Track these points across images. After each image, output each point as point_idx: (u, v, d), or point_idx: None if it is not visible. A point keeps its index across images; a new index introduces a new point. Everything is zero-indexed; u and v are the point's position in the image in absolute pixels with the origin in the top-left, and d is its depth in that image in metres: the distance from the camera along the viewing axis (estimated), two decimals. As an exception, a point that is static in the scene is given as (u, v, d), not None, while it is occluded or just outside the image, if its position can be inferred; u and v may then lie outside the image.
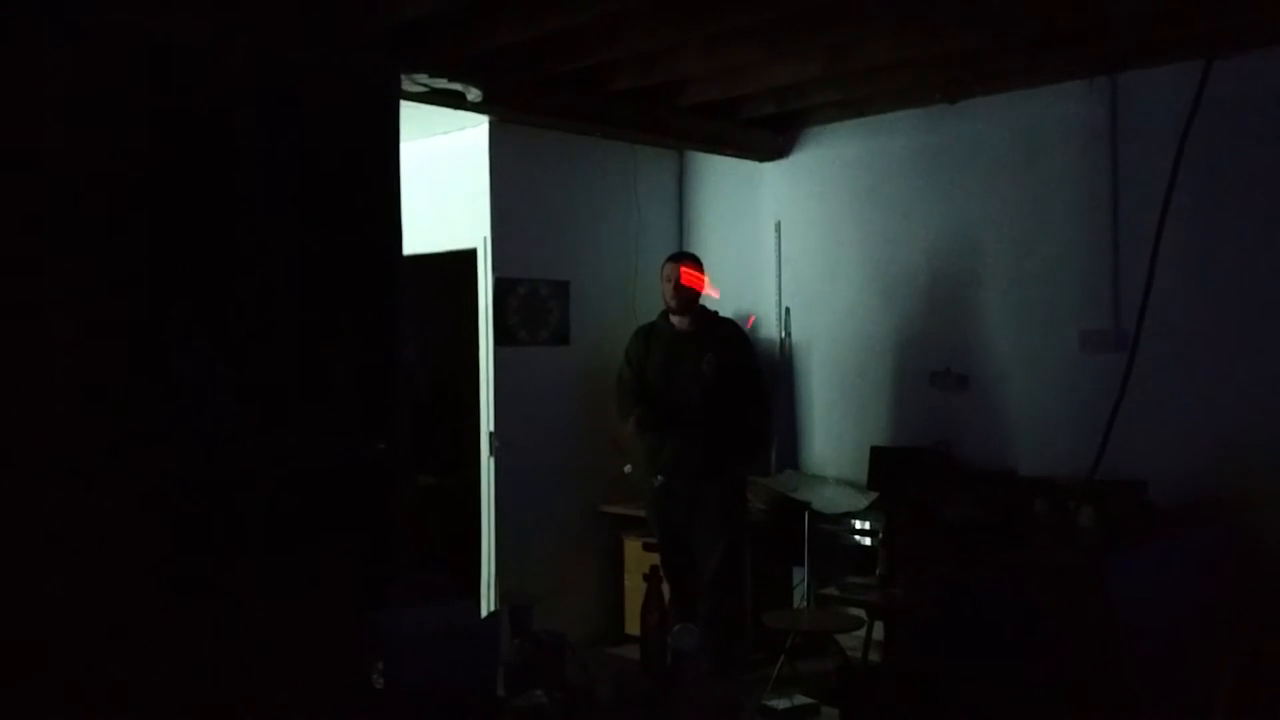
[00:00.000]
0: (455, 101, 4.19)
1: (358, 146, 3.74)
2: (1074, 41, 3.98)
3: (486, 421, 5.10)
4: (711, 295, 4.92)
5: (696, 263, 4.66)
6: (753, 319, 5.48)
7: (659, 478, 4.52)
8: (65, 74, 2.99)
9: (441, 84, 4.01)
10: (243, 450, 3.27)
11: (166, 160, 3.20)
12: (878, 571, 4.21)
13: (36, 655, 2.77)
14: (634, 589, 5.24)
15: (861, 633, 4.41)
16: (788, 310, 5.45)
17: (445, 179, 5.23)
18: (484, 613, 4.48)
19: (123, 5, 3.13)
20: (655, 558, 4.61)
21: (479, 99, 4.16)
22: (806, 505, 4.85)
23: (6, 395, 2.83)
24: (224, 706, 2.87)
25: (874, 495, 4.82)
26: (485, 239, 5.10)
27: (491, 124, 5.00)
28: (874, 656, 4.41)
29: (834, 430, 5.30)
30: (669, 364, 4.55)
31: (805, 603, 5.06)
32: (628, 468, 5.07)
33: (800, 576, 5.12)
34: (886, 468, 4.91)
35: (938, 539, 4.23)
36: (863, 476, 5.01)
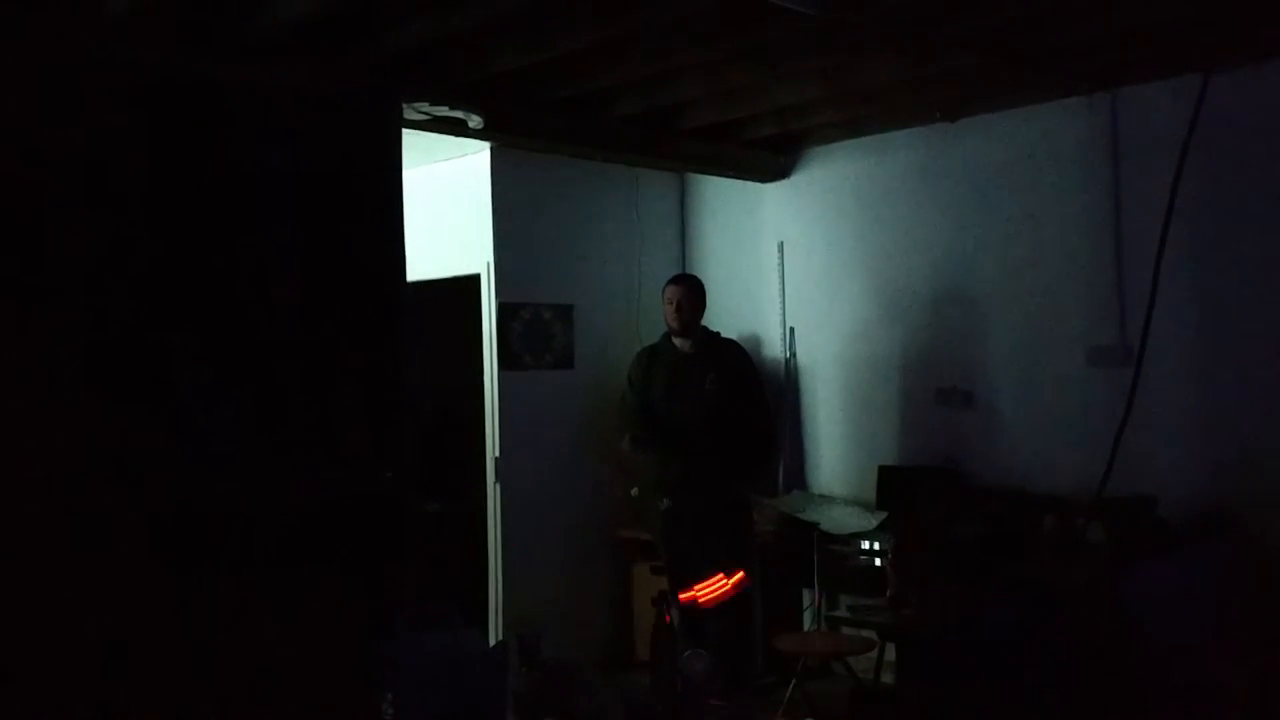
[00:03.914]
0: (457, 128, 4.20)
1: (360, 174, 3.75)
2: (1072, 58, 3.99)
3: (492, 447, 5.09)
4: None
5: (698, 284, 4.66)
6: None
7: (665, 500, 4.50)
8: (67, 102, 3.00)
9: (443, 111, 4.02)
10: (246, 479, 3.26)
11: (168, 190, 3.21)
12: (888, 592, 4.19)
13: (36, 681, 2.75)
14: (643, 614, 5.20)
15: (873, 654, 4.37)
16: (792, 330, 5.44)
17: (448, 205, 5.24)
18: (492, 641, 4.45)
19: (125, 36, 3.15)
20: (664, 582, 4.59)
21: (480, 126, 4.18)
22: (815, 526, 4.82)
23: (4, 422, 2.82)
24: (231, 740, 2.85)
25: (883, 515, 4.79)
26: (488, 264, 5.11)
27: (493, 150, 5.02)
28: (886, 678, 4.37)
29: (841, 450, 5.28)
30: (672, 385, 4.55)
31: (816, 625, 5.03)
32: (634, 491, 5.05)
33: (810, 598, 5.09)
34: (895, 487, 4.89)
35: (947, 558, 4.20)
36: (871, 496, 4.99)
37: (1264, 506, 3.92)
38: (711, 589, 4.44)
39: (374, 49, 3.64)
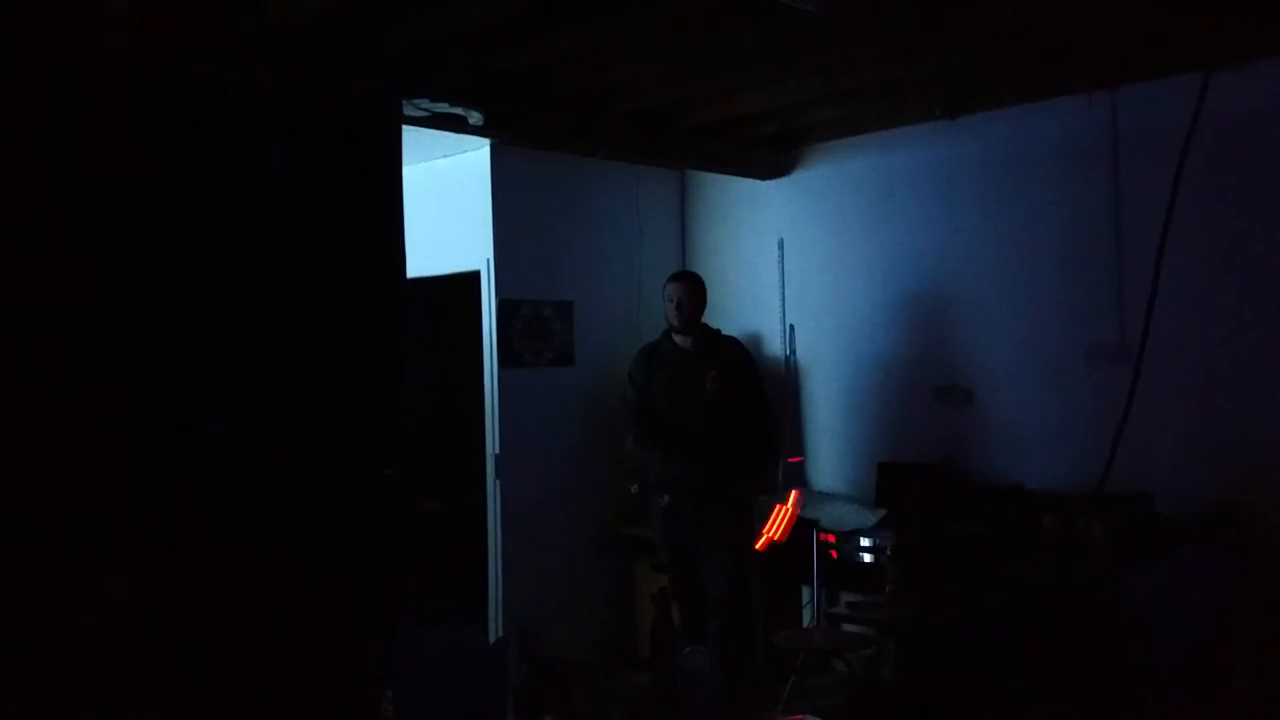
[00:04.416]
0: (457, 125, 4.21)
1: (361, 172, 3.76)
2: (1072, 56, 3.99)
3: (491, 443, 5.10)
4: None
5: (699, 281, 4.67)
6: None
7: (665, 497, 4.50)
8: (67, 103, 3.01)
9: (443, 108, 4.03)
10: (248, 478, 3.27)
11: (170, 190, 3.22)
12: (887, 589, 4.20)
13: (38, 685, 2.76)
14: (643, 611, 5.21)
15: (872, 651, 4.38)
16: (792, 328, 5.45)
17: (448, 202, 5.24)
18: (492, 638, 4.45)
19: (129, 36, 3.15)
20: (664, 579, 4.59)
21: (480, 123, 4.18)
22: (815, 523, 4.83)
23: (10, 427, 2.83)
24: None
25: (882, 512, 4.80)
26: (488, 261, 5.11)
27: (493, 147, 5.02)
28: (885, 675, 4.38)
29: (840, 447, 5.29)
30: (673, 383, 4.55)
31: (815, 621, 5.04)
32: (634, 488, 5.05)
33: (809, 595, 5.10)
34: (894, 484, 4.89)
35: (947, 555, 4.21)
36: (870, 493, 4.99)
37: (1263, 505, 3.93)
38: (777, 522, 4.62)
39: (374, 47, 3.64)
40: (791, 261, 5.46)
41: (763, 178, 5.52)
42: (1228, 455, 4.05)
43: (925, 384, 4.95)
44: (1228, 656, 3.35)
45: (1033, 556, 4.07)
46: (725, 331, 4.83)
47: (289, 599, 3.21)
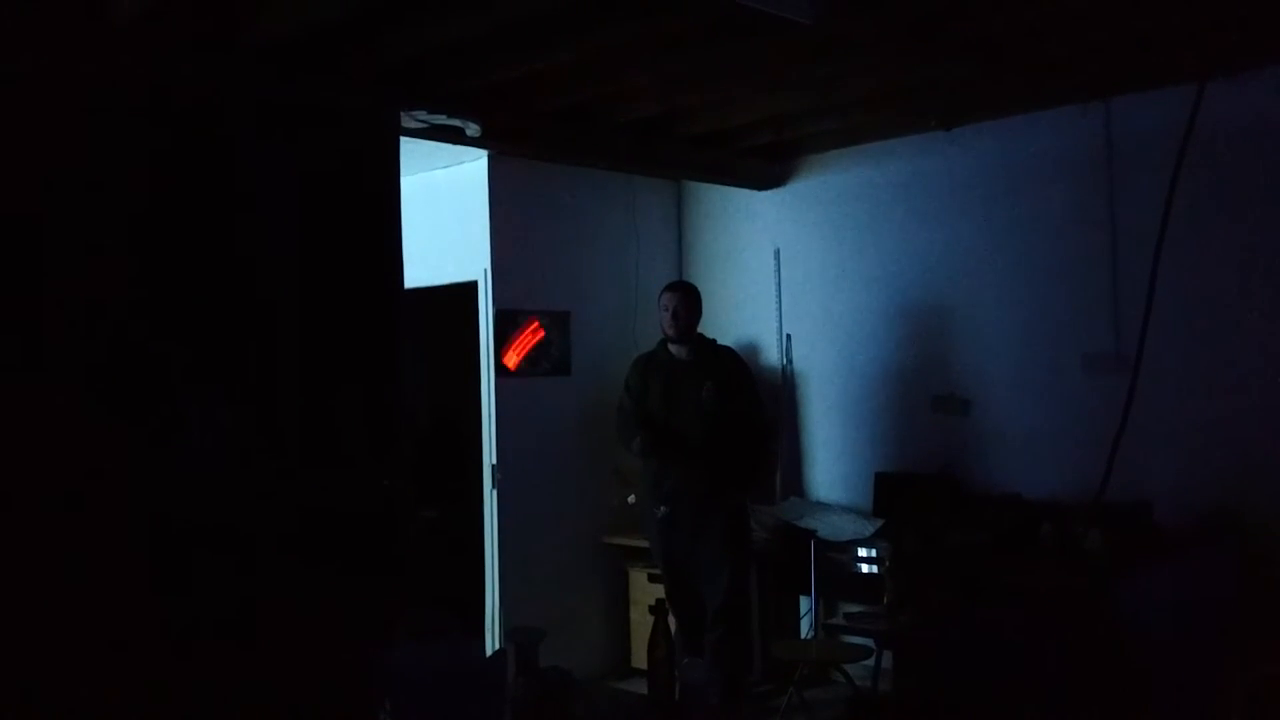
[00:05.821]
0: (454, 137, 4.22)
1: (359, 182, 3.77)
2: (1067, 67, 4.01)
3: (488, 453, 5.09)
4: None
5: (694, 291, 4.67)
6: None
7: (662, 508, 4.50)
8: (68, 116, 3.01)
9: (440, 120, 4.03)
10: (246, 487, 3.27)
11: (168, 202, 3.22)
12: (885, 599, 4.19)
13: (37, 686, 2.75)
14: (640, 621, 5.20)
15: (870, 662, 4.37)
16: (788, 337, 5.45)
17: (445, 213, 5.25)
18: (489, 649, 4.44)
19: (126, 50, 3.16)
20: (661, 589, 4.58)
21: (477, 134, 4.19)
22: (812, 533, 4.83)
23: (10, 433, 2.82)
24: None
25: (880, 522, 4.80)
26: (486, 271, 5.12)
27: (490, 157, 5.03)
28: (884, 686, 4.37)
29: (838, 457, 5.29)
30: (669, 393, 4.55)
31: (813, 632, 5.03)
32: (631, 498, 5.05)
33: (807, 605, 5.09)
34: (891, 494, 4.89)
35: (945, 565, 4.21)
36: (868, 503, 4.99)
37: (1260, 512, 3.93)
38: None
39: (372, 59, 3.65)
40: (788, 271, 5.47)
41: (759, 188, 5.53)
42: (1225, 464, 4.06)
43: (923, 393, 4.95)
44: (1226, 665, 3.35)
45: (1031, 566, 4.06)
46: (722, 341, 4.84)
47: (286, 608, 3.21)
